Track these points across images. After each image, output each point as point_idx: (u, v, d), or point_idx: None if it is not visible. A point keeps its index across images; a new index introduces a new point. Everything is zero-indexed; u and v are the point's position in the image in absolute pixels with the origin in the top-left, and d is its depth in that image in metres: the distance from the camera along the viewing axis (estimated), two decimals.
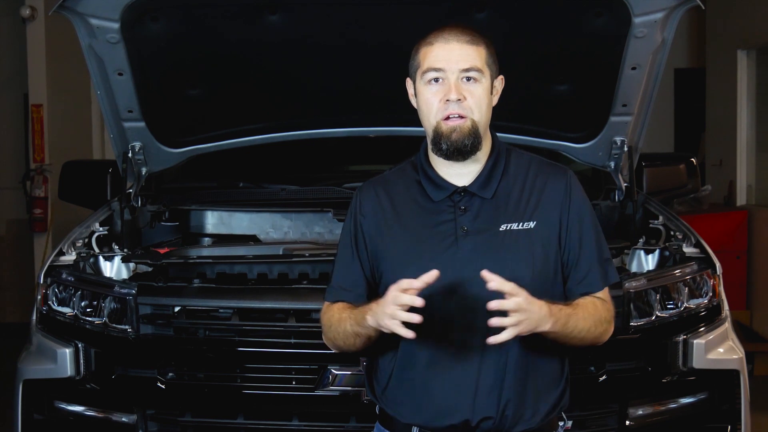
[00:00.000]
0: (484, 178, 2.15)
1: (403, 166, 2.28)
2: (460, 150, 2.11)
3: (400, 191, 2.22)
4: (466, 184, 2.15)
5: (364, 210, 2.22)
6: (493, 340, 1.95)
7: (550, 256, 2.13)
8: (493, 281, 1.94)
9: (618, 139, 3.55)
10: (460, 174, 2.16)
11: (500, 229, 2.11)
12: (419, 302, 1.92)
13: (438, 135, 2.12)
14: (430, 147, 2.17)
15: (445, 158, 2.14)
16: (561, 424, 2.22)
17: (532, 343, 2.10)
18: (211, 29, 3.25)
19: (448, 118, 2.10)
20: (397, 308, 1.94)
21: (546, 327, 1.99)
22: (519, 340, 2.07)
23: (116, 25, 3.07)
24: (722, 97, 7.86)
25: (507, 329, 1.93)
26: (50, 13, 3.08)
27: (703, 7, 3.01)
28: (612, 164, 3.64)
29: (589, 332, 2.12)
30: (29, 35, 7.78)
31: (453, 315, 2.10)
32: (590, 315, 2.12)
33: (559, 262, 2.16)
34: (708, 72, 8.34)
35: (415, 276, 2.01)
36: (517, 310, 1.93)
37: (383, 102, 3.52)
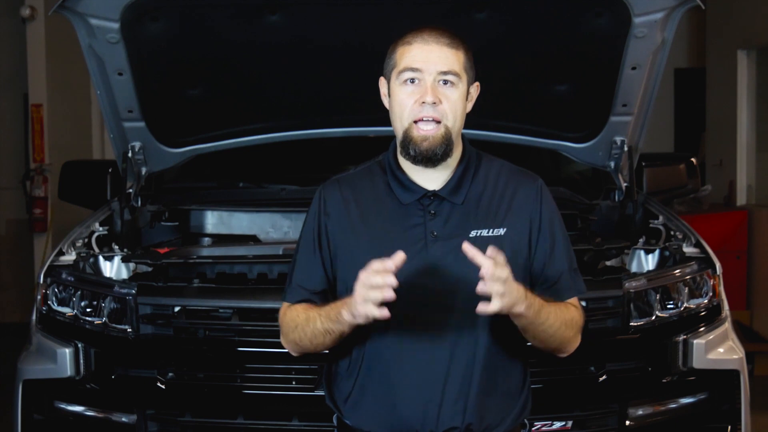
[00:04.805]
0: (454, 184, 2.11)
1: (369, 166, 2.21)
2: (429, 159, 2.06)
3: (366, 192, 2.15)
4: (437, 189, 2.11)
5: (329, 209, 2.16)
6: (482, 308, 1.88)
7: (519, 262, 2.08)
8: (474, 254, 1.89)
9: (618, 139, 3.55)
10: (430, 179, 2.11)
11: (470, 235, 2.06)
12: (394, 281, 1.86)
13: (408, 140, 2.06)
14: (399, 150, 2.12)
15: (413, 163, 2.09)
16: (524, 431, 2.19)
17: (497, 350, 2.08)
18: (211, 29, 3.25)
19: (421, 120, 2.05)
20: (369, 290, 1.87)
21: (521, 308, 1.93)
22: (485, 346, 2.06)
23: (116, 25, 3.07)
24: (722, 97, 7.86)
25: (494, 301, 1.87)
26: (50, 13, 3.08)
27: (703, 7, 3.01)
28: (612, 164, 3.64)
29: (559, 331, 2.06)
30: (29, 35, 7.78)
31: (420, 321, 2.05)
32: (561, 314, 2.07)
33: (528, 269, 2.12)
34: (708, 72, 8.34)
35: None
36: (505, 280, 1.88)
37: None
